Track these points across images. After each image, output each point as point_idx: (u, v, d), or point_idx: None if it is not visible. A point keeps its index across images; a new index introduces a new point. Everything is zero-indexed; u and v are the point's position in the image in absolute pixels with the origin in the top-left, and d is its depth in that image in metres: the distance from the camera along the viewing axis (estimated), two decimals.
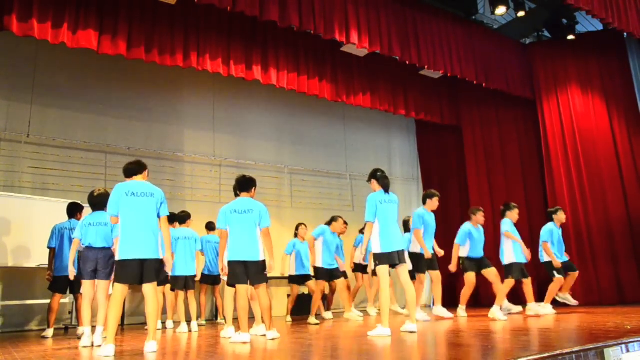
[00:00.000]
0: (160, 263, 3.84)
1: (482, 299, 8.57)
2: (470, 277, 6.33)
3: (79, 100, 7.77)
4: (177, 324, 6.15)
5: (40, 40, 5.79)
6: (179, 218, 6.26)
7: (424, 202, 6.15)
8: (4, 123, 7.12)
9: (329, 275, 6.67)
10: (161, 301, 5.97)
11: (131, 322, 7.36)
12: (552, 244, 6.53)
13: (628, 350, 3.07)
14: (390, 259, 4.45)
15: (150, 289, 3.75)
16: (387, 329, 4.23)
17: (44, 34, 5.70)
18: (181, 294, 6.19)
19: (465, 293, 6.35)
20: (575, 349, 2.81)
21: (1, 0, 5.50)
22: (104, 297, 4.51)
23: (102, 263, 4.53)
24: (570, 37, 8.98)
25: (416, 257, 6.03)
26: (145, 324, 4.68)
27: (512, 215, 6.35)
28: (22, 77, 7.32)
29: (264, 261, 4.37)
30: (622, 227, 8.30)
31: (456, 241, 6.47)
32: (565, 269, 6.52)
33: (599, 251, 8.30)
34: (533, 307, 6.20)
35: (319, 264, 6.63)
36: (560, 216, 6.70)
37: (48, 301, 5.74)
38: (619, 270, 8.19)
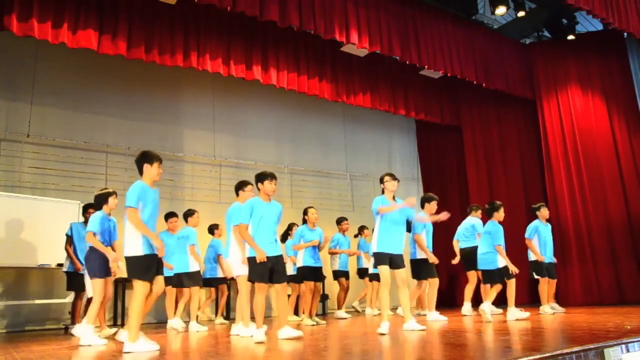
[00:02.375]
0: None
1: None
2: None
3: (79, 100, 7.77)
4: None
5: (40, 40, 5.79)
6: (185, 216, 6.30)
7: (422, 206, 6.11)
8: (4, 123, 7.12)
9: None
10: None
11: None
12: (539, 242, 6.48)
13: (628, 350, 3.07)
14: (386, 260, 4.55)
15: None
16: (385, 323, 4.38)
17: (44, 34, 5.70)
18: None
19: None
20: (575, 349, 2.81)
21: (1, 0, 5.50)
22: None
23: None
24: (570, 37, 8.98)
25: (418, 263, 6.03)
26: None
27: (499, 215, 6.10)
28: (22, 77, 7.32)
29: None
30: (622, 227, 8.29)
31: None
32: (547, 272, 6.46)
33: (599, 251, 8.30)
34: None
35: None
36: (544, 212, 6.57)
37: (48, 301, 5.74)
38: (619, 270, 8.19)
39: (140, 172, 3.95)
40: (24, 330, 6.66)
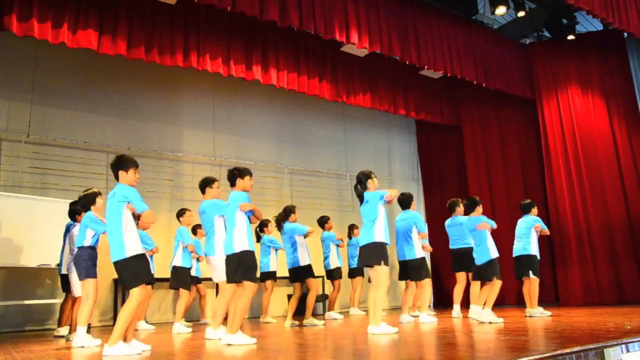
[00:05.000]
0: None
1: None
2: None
3: (79, 100, 7.77)
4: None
5: (40, 40, 5.79)
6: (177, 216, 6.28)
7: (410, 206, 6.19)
8: (4, 123, 7.12)
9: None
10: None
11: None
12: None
13: (628, 350, 3.07)
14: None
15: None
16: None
17: (44, 34, 5.70)
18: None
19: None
20: (575, 349, 2.81)
21: (1, 0, 5.50)
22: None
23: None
24: (570, 37, 8.97)
25: (421, 262, 6.01)
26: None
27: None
28: (22, 77, 7.33)
29: None
30: (622, 227, 8.29)
31: None
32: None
33: (599, 251, 8.29)
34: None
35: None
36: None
37: (48, 301, 5.72)
38: (619, 270, 8.19)
39: (116, 177, 3.76)
40: (24, 330, 6.67)
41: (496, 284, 5.44)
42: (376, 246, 4.55)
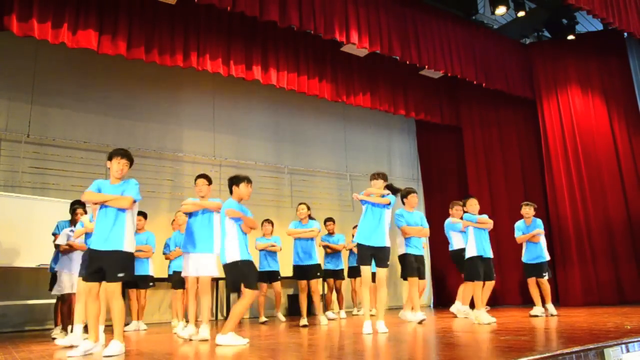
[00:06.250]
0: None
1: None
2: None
3: (79, 100, 7.77)
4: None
5: (40, 40, 5.80)
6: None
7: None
8: (4, 123, 7.12)
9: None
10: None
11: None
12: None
13: (628, 350, 3.07)
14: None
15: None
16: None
17: (44, 34, 5.71)
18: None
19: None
20: (575, 349, 2.81)
21: (1, 0, 5.50)
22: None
23: None
24: (570, 37, 8.98)
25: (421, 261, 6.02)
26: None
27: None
28: (22, 77, 7.32)
29: None
30: (622, 227, 8.29)
31: None
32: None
33: (599, 251, 8.29)
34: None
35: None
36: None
37: (48, 301, 5.70)
38: (619, 270, 8.19)
39: None
40: (24, 330, 6.66)
41: (477, 285, 5.33)
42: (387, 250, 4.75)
